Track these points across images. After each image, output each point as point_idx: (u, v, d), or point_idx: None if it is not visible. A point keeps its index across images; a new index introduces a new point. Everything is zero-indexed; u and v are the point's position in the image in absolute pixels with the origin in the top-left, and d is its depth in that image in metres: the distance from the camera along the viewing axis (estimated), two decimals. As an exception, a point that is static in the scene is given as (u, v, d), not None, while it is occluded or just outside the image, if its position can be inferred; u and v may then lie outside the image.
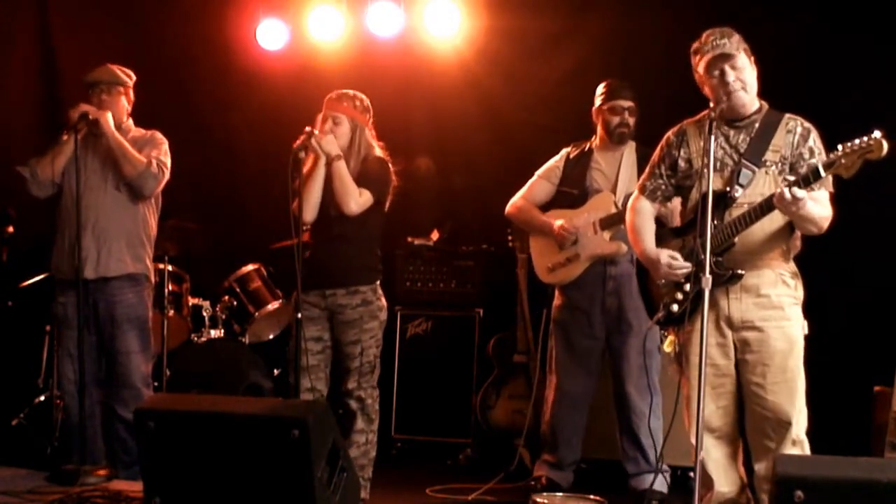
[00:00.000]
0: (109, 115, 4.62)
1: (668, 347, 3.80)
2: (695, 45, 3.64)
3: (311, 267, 4.27)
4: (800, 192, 3.36)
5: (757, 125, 3.63)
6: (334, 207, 4.36)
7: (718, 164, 3.62)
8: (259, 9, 6.26)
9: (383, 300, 4.49)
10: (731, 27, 3.62)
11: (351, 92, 4.47)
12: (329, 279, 4.33)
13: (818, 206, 3.50)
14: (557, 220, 4.75)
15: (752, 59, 3.62)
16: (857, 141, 3.29)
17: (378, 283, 4.48)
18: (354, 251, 4.41)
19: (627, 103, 4.72)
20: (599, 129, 4.79)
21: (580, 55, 5.81)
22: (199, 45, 6.39)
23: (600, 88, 4.78)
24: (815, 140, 3.60)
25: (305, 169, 4.36)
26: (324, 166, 4.34)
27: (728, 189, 3.58)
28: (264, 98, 6.30)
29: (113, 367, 4.69)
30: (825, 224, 3.55)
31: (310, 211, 4.32)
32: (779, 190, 3.39)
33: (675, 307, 3.69)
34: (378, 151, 4.49)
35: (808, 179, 3.39)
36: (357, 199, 4.32)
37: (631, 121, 4.73)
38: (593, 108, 4.79)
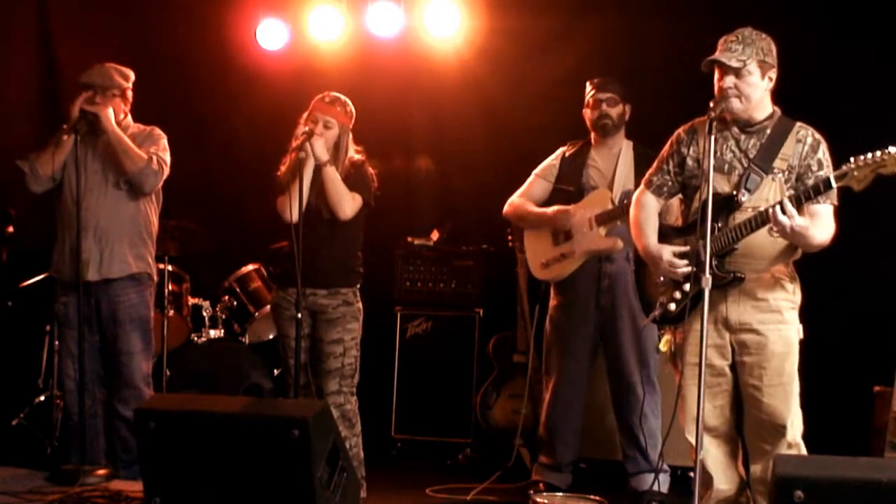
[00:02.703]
0: (111, 111, 4.60)
1: (663, 347, 3.80)
2: (722, 38, 3.62)
3: (295, 266, 4.27)
4: (790, 209, 3.36)
5: (768, 131, 3.62)
6: (327, 211, 4.38)
7: (727, 166, 3.62)
8: (259, 9, 6.25)
9: (361, 304, 4.51)
10: (766, 32, 3.60)
11: (343, 97, 4.50)
12: (310, 279, 4.31)
13: (818, 223, 3.49)
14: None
15: (772, 71, 3.58)
16: (870, 155, 3.28)
17: (358, 286, 4.51)
18: (337, 253, 4.45)
19: (605, 95, 4.70)
20: (588, 126, 4.81)
21: (580, 55, 5.80)
22: (199, 45, 6.39)
23: (586, 88, 4.80)
24: (823, 152, 3.59)
25: (284, 169, 4.40)
26: (311, 169, 4.35)
27: (735, 193, 3.58)
28: (264, 98, 6.29)
29: (115, 367, 4.68)
30: (824, 240, 3.53)
31: (295, 213, 4.30)
32: (772, 209, 3.39)
33: (672, 306, 3.69)
34: (355, 155, 4.52)
35: (819, 189, 3.39)
36: (351, 205, 4.38)
37: (612, 112, 4.71)
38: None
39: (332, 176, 4.34)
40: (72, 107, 4.56)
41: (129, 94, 4.77)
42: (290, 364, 4.40)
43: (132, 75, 4.78)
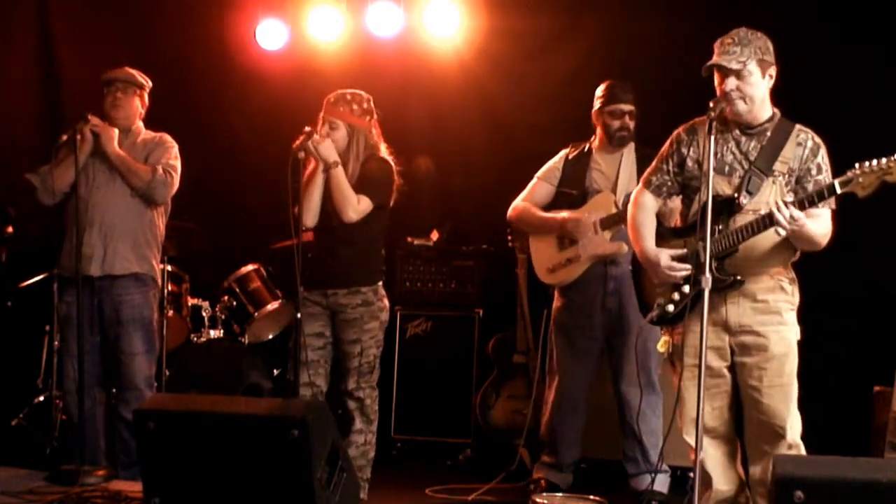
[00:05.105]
0: (115, 133, 4.63)
1: (661, 348, 3.79)
2: (717, 41, 3.61)
3: (313, 267, 4.29)
4: (797, 213, 3.36)
5: (769, 134, 3.61)
6: (335, 215, 4.34)
7: (727, 168, 3.61)
8: (259, 9, 6.26)
9: (385, 301, 4.48)
10: (761, 31, 3.59)
11: (349, 95, 4.40)
12: (330, 280, 4.34)
13: (817, 224, 3.50)
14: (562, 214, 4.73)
15: (772, 68, 3.57)
16: (875, 161, 3.27)
17: (380, 283, 4.48)
18: (356, 253, 4.40)
19: (628, 107, 4.70)
20: (599, 131, 4.78)
21: (580, 55, 5.81)
22: (199, 45, 6.39)
23: (600, 90, 4.76)
24: (823, 156, 3.59)
25: (306, 174, 4.35)
26: (322, 172, 4.33)
27: (736, 195, 3.57)
28: (264, 98, 6.30)
29: (117, 368, 4.68)
30: (824, 241, 3.55)
31: (310, 216, 4.32)
32: (775, 211, 3.38)
33: (670, 307, 3.68)
34: (383, 152, 4.45)
35: (823, 195, 3.38)
36: (355, 207, 4.29)
37: (631, 124, 4.71)
38: (593, 110, 4.78)
39: (338, 178, 4.28)
40: (80, 125, 4.57)
41: (146, 98, 4.84)
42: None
43: (150, 83, 4.85)
